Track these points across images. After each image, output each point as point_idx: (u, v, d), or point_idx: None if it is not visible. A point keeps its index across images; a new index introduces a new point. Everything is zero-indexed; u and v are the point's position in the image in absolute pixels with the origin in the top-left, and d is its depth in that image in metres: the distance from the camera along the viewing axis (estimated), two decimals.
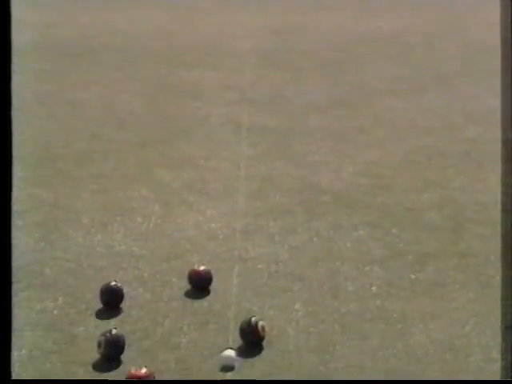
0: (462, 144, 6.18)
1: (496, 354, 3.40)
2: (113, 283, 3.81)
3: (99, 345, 3.34)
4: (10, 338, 1.91)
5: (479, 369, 3.34)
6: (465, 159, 5.89)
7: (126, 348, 3.38)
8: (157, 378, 3.15)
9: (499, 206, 3.95)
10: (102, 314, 3.69)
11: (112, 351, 3.34)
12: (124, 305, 3.78)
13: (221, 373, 3.27)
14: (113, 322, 3.64)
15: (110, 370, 3.29)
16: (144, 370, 3.13)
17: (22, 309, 3.66)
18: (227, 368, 3.30)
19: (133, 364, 3.25)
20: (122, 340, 3.38)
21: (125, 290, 3.83)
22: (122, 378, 3.15)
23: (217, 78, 7.98)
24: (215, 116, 6.80)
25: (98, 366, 3.31)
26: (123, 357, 3.35)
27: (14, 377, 3.06)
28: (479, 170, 5.62)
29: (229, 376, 3.25)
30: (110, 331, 3.38)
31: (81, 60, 8.62)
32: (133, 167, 5.66)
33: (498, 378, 3.21)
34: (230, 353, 3.36)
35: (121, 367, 3.30)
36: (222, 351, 3.36)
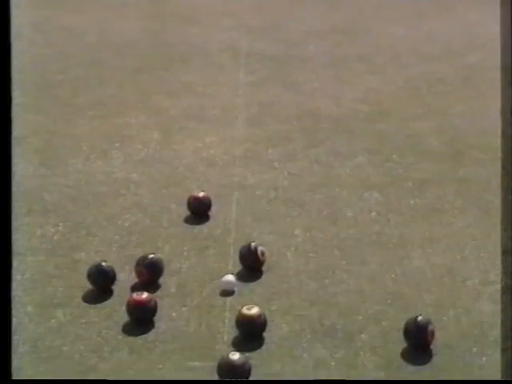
0: (463, 70, 6.14)
1: (494, 277, 3.44)
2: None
3: (89, 276, 3.35)
4: (11, 339, 1.93)
5: (477, 292, 3.37)
6: (465, 85, 5.86)
7: (122, 274, 3.40)
8: (158, 303, 3.18)
9: (499, 132, 3.97)
10: (102, 240, 3.71)
11: (102, 283, 3.36)
12: (123, 232, 3.81)
13: (220, 297, 3.30)
14: (114, 248, 3.66)
15: (111, 294, 3.32)
16: (145, 295, 3.16)
17: (23, 233, 3.68)
18: (227, 292, 3.33)
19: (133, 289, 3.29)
20: (110, 270, 3.36)
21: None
22: (124, 302, 3.17)
23: (214, 4, 7.87)
24: (213, 42, 6.73)
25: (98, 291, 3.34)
26: (122, 282, 3.38)
27: (15, 287, 3.10)
28: (479, 96, 5.60)
29: (228, 300, 3.28)
30: (99, 263, 3.38)
31: None
32: (131, 94, 5.62)
33: (495, 301, 3.26)
34: (230, 277, 3.39)
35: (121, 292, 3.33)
36: (222, 276, 3.39)
